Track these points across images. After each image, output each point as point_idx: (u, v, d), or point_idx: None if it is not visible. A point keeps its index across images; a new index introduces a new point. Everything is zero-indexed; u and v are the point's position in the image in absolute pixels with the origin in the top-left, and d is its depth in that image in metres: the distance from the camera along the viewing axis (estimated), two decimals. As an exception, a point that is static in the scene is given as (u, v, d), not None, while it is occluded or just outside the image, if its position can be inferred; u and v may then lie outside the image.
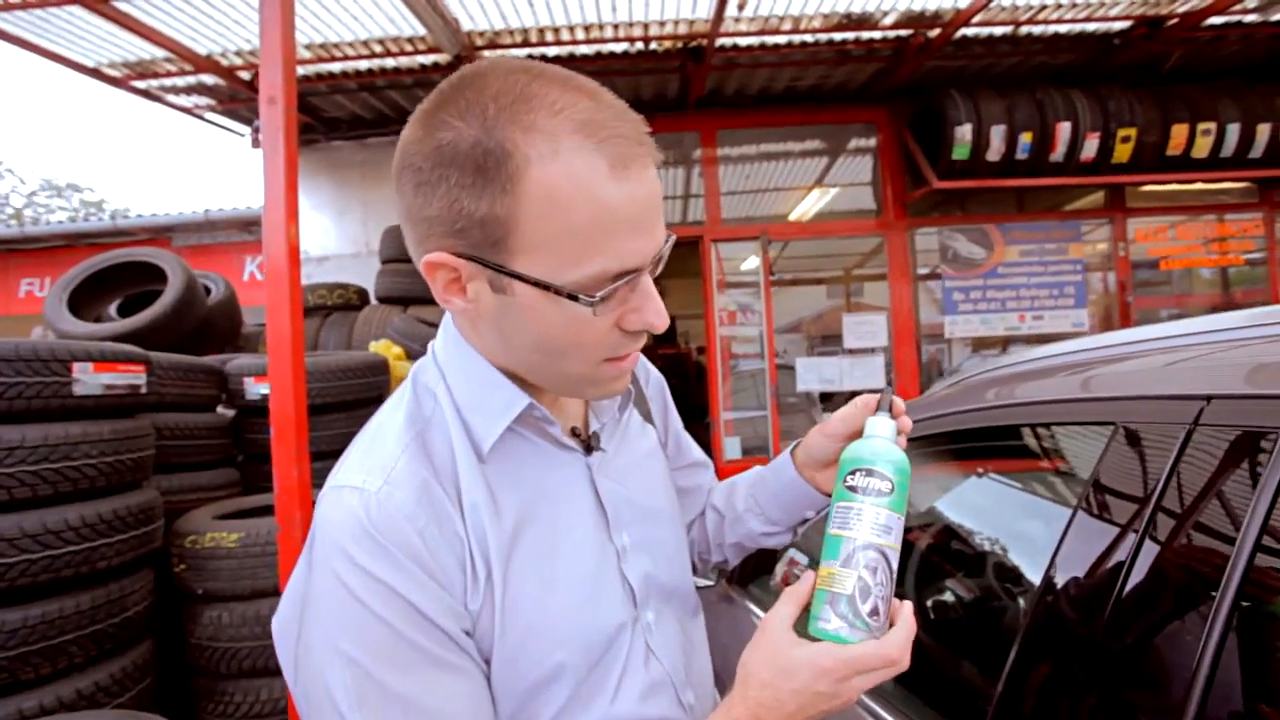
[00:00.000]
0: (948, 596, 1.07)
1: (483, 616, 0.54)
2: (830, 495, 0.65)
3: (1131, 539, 0.65)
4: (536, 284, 0.50)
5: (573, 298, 0.50)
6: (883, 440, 0.61)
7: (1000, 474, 1.07)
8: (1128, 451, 0.71)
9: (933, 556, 1.16)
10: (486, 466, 0.57)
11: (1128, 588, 0.63)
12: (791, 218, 4.90)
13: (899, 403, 0.65)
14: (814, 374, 4.46)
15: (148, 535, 2.06)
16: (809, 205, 4.87)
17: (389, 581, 0.49)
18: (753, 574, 1.51)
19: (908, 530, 1.31)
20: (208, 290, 3.67)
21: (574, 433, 0.65)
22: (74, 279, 3.35)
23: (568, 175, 0.47)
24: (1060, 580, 0.72)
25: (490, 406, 0.58)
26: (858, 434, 0.64)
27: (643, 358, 0.83)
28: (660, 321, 0.53)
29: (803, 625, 0.57)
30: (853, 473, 0.59)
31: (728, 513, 0.84)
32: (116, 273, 3.48)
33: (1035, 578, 0.79)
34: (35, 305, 6.34)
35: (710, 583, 1.56)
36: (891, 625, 0.56)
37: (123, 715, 1.51)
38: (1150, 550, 0.63)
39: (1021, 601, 0.87)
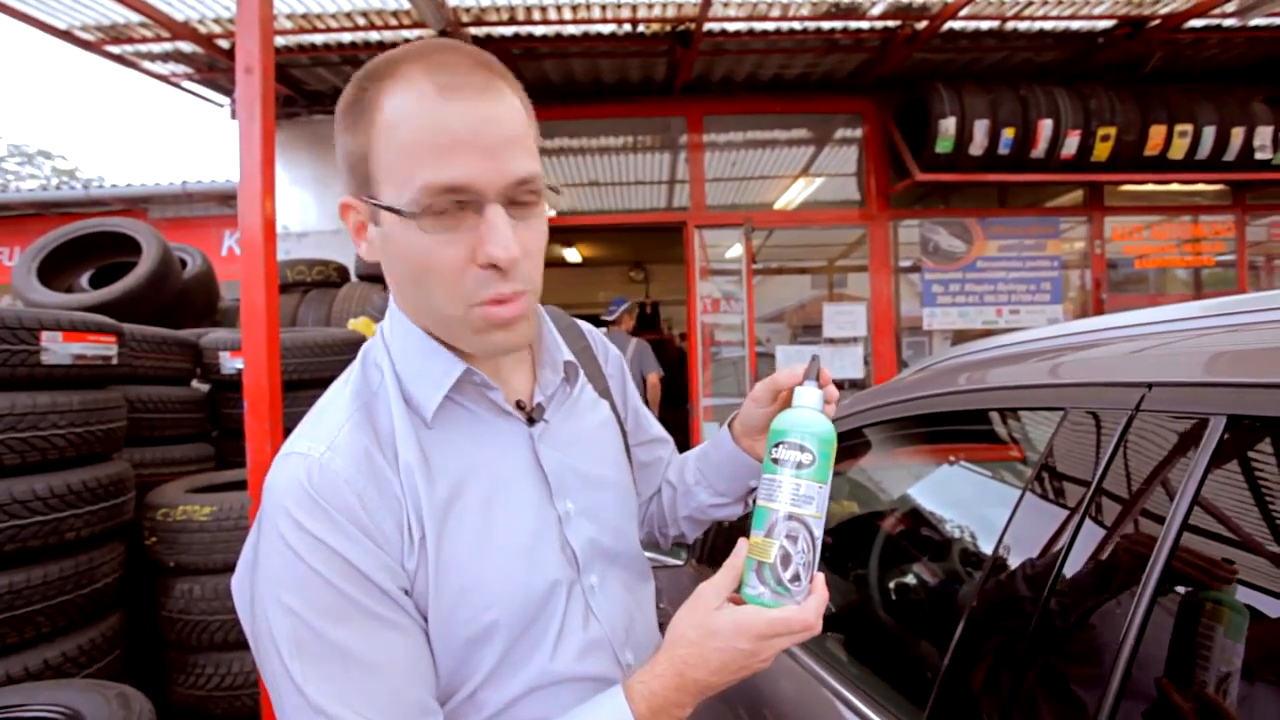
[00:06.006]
0: (905, 574, 1.10)
1: (419, 576, 0.57)
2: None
3: (1073, 521, 0.68)
4: (388, 209, 0.55)
5: (411, 215, 0.53)
6: (807, 410, 0.62)
7: (960, 457, 1.10)
8: (1075, 436, 0.74)
9: (893, 536, 1.20)
10: (425, 435, 0.60)
11: (1066, 567, 0.66)
12: (776, 206, 4.92)
13: (825, 371, 0.67)
14: (794, 362, 4.49)
15: (118, 507, 2.04)
16: (794, 194, 4.89)
17: (328, 540, 0.53)
18: (722, 553, 1.54)
19: (876, 513, 1.35)
20: (184, 263, 3.61)
21: (518, 405, 0.66)
22: (44, 248, 3.28)
23: (401, 99, 0.54)
24: (1005, 559, 0.75)
25: (429, 375, 0.61)
26: (787, 402, 0.66)
27: (601, 336, 0.85)
28: (500, 252, 0.53)
29: (738, 590, 0.60)
30: (777, 445, 0.60)
31: (679, 486, 0.86)
32: (89, 243, 3.40)
33: (984, 557, 0.81)
34: (4, 275, 6.19)
35: (679, 563, 1.58)
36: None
37: (91, 685, 1.51)
38: (1089, 531, 0.66)
39: (972, 579, 0.90)
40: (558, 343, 0.71)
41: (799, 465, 0.59)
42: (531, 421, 0.66)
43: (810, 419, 0.61)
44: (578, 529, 0.66)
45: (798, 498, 0.58)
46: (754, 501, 0.61)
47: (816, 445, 0.59)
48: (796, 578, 0.57)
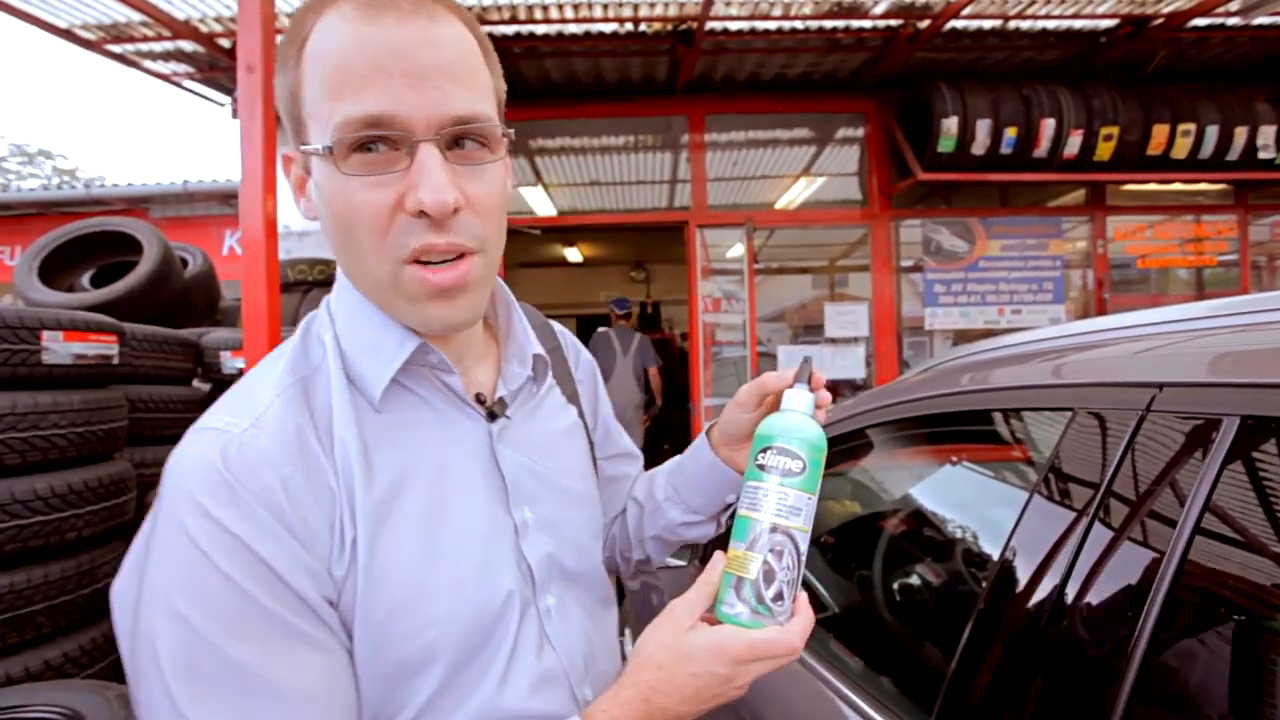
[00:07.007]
0: (912, 577, 1.10)
1: (347, 585, 0.48)
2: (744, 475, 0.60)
3: (1082, 523, 0.67)
4: (313, 152, 0.48)
5: (331, 155, 0.46)
6: (798, 415, 0.57)
7: (966, 458, 1.09)
8: (1084, 437, 0.73)
9: (900, 538, 1.19)
10: (368, 420, 0.52)
11: (1075, 570, 0.65)
12: (778, 206, 4.91)
13: (818, 374, 0.61)
14: (795, 362, 4.49)
15: (119, 507, 2.04)
16: (795, 194, 4.88)
17: (240, 534, 0.43)
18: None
19: (882, 514, 1.34)
20: (185, 263, 3.61)
21: (478, 399, 0.59)
22: (45, 247, 3.27)
23: (324, 26, 0.47)
24: (1013, 562, 0.75)
25: (380, 350, 0.53)
26: (774, 406, 0.61)
27: (574, 338, 0.79)
28: (429, 196, 0.46)
29: (712, 609, 0.54)
30: (764, 450, 0.55)
31: (648, 504, 0.78)
32: (90, 242, 3.40)
33: (992, 559, 0.81)
34: (5, 274, 6.19)
35: (683, 564, 1.58)
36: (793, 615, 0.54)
37: (92, 685, 1.51)
38: (1098, 534, 0.65)
39: (979, 582, 0.90)
40: (528, 334, 0.63)
41: (787, 473, 0.54)
42: (492, 417, 0.58)
43: (801, 424, 0.56)
44: (535, 542, 0.58)
45: (784, 508, 0.53)
46: (729, 515, 0.56)
47: (807, 452, 0.54)
48: (779, 596, 0.52)
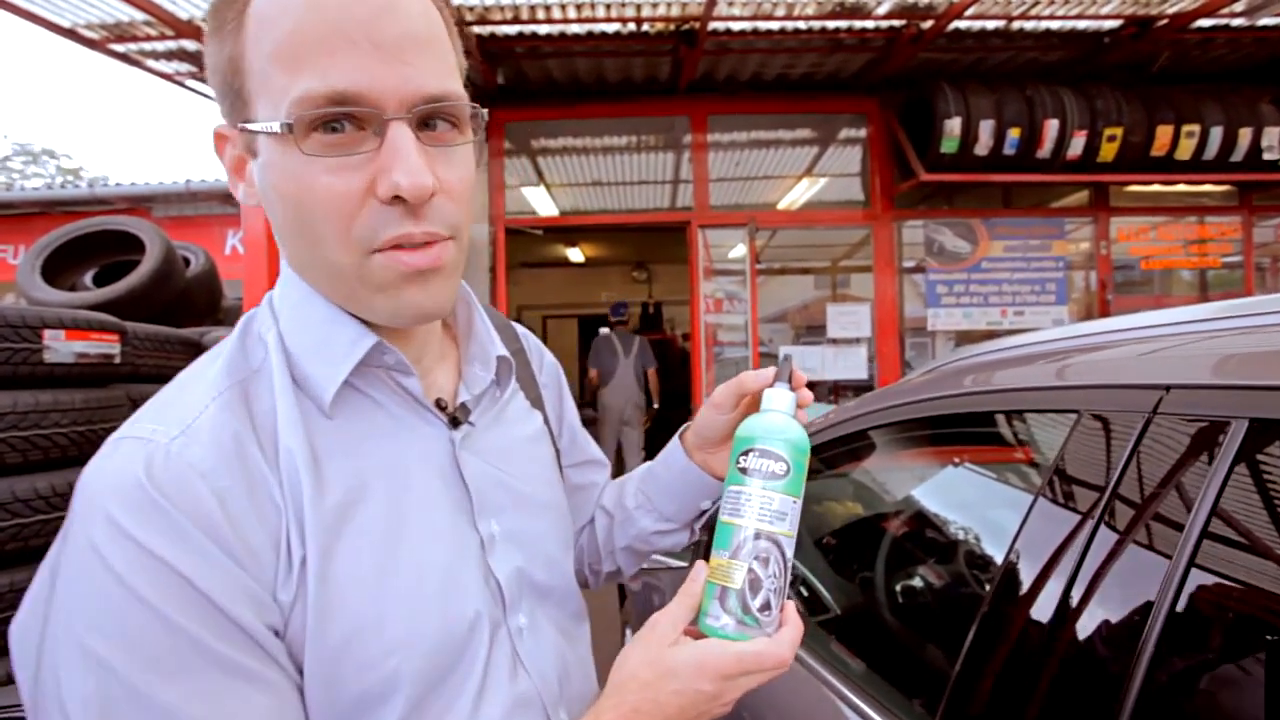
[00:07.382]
0: (916, 579, 1.09)
1: (295, 611, 0.42)
2: (725, 480, 0.57)
3: (1087, 526, 0.67)
4: (263, 132, 0.43)
5: (289, 135, 0.42)
6: (780, 415, 0.55)
7: (970, 460, 1.09)
8: (1089, 439, 0.73)
9: (904, 541, 1.18)
10: (317, 426, 0.47)
11: (1081, 574, 0.65)
12: (780, 206, 4.90)
13: (799, 373, 0.58)
14: (796, 363, 4.50)
15: (120, 507, 2.04)
16: (797, 194, 4.87)
17: (165, 556, 0.37)
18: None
19: (885, 516, 1.33)
20: (187, 262, 3.61)
21: (439, 405, 0.54)
22: (48, 246, 3.28)
23: None
24: (1018, 566, 0.74)
25: (331, 348, 0.48)
26: (753, 407, 0.58)
27: (537, 341, 0.75)
28: (405, 180, 0.42)
29: (696, 621, 0.52)
30: (745, 453, 0.53)
31: (617, 513, 0.74)
32: (92, 241, 3.40)
33: (996, 562, 0.80)
34: (8, 273, 6.21)
35: (684, 565, 1.57)
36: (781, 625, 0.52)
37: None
38: (1104, 537, 0.65)
39: (983, 585, 0.89)
40: (490, 335, 0.59)
41: (771, 475, 0.51)
42: (454, 423, 0.54)
43: (784, 424, 0.54)
44: (503, 557, 0.54)
45: (769, 513, 0.51)
46: (721, 516, 0.53)
47: (790, 454, 0.52)
48: (766, 606, 0.50)
